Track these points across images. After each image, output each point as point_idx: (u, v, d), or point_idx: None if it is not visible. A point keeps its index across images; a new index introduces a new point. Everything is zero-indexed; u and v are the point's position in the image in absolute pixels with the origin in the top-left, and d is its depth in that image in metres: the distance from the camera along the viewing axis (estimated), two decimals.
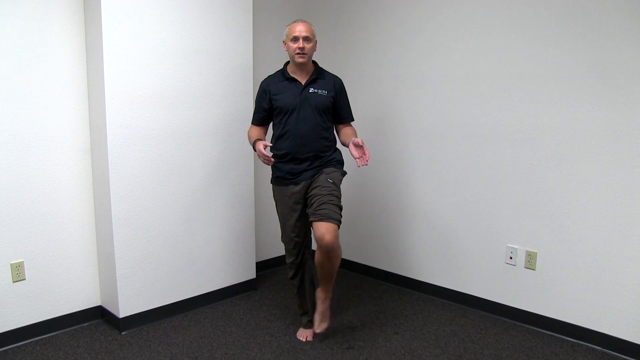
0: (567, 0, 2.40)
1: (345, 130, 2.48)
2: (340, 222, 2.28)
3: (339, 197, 2.33)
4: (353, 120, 2.54)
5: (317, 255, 2.29)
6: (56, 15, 2.40)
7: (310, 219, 2.29)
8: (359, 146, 2.27)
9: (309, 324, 2.56)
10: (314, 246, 2.55)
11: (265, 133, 2.52)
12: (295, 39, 2.29)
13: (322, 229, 2.21)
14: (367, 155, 2.25)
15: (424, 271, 3.14)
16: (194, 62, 2.69)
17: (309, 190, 2.36)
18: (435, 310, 2.90)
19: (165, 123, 2.61)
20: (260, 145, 2.27)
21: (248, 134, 2.52)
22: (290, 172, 2.37)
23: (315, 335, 2.53)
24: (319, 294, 2.41)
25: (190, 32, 2.66)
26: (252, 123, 2.52)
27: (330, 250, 2.22)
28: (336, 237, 2.23)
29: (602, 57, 2.33)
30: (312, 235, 2.58)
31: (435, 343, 2.50)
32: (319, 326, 2.42)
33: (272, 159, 2.28)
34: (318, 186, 2.31)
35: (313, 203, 2.29)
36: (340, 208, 2.31)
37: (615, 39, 2.28)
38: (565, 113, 2.46)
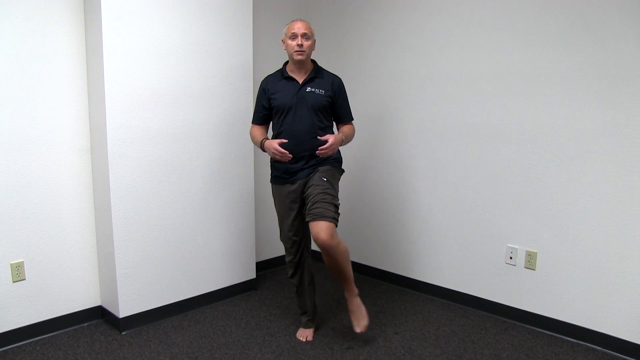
0: (567, 0, 2.41)
1: (343, 130, 2.48)
2: (336, 219, 2.26)
3: (333, 195, 2.31)
4: (352, 119, 2.54)
5: (324, 257, 2.29)
6: (56, 16, 2.40)
7: (306, 220, 2.29)
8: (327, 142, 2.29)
9: (309, 324, 2.56)
10: (315, 245, 2.55)
11: (267, 132, 2.52)
12: (294, 36, 2.30)
13: (316, 229, 2.20)
14: (322, 153, 2.28)
15: (424, 271, 3.13)
16: (194, 62, 2.69)
17: (304, 190, 2.36)
18: (435, 310, 2.90)
19: (165, 123, 2.62)
20: (275, 144, 2.28)
21: (251, 134, 2.52)
22: (286, 171, 2.37)
23: (314, 335, 2.54)
24: (346, 292, 2.39)
25: (190, 32, 2.66)
26: (252, 122, 2.52)
27: (328, 248, 2.20)
28: (331, 234, 2.20)
29: (602, 57, 2.32)
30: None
31: (435, 343, 2.50)
32: (358, 325, 2.36)
33: (290, 155, 2.28)
34: (312, 185, 2.31)
35: (307, 203, 2.30)
36: (336, 206, 2.30)
37: (615, 39, 2.28)
38: (565, 113, 2.46)
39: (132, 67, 2.45)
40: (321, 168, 2.36)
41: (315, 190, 2.28)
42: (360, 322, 2.36)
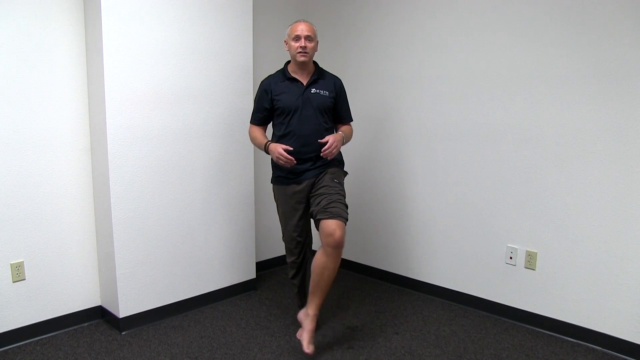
0: (567, 0, 2.41)
1: (342, 129, 2.48)
2: (347, 221, 2.28)
3: (345, 197, 2.34)
4: (352, 120, 2.54)
5: (319, 258, 2.24)
6: (56, 15, 2.40)
7: (318, 217, 2.26)
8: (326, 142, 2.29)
9: None
10: (315, 246, 2.55)
11: (265, 133, 2.52)
12: (297, 38, 2.29)
13: (334, 225, 2.19)
14: (327, 152, 2.27)
15: (424, 271, 3.14)
16: (194, 62, 2.69)
17: (313, 190, 2.36)
18: (435, 310, 2.90)
19: (165, 123, 2.61)
20: (280, 149, 2.26)
21: (250, 134, 2.51)
22: (292, 172, 2.37)
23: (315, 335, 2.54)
24: (310, 310, 2.28)
25: (190, 32, 2.66)
26: (251, 123, 2.51)
27: (338, 247, 2.20)
28: (344, 235, 2.21)
29: (602, 56, 2.33)
30: (312, 235, 2.58)
31: (435, 343, 2.50)
32: (309, 347, 2.22)
33: (295, 161, 2.27)
34: (325, 186, 2.31)
35: (321, 202, 2.28)
36: (347, 207, 2.31)
37: (614, 39, 2.28)
38: (565, 113, 2.46)
39: (132, 67, 2.45)
40: (330, 170, 2.37)
41: (331, 191, 2.29)
42: (311, 345, 2.24)
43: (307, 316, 2.30)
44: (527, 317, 2.69)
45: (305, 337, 2.26)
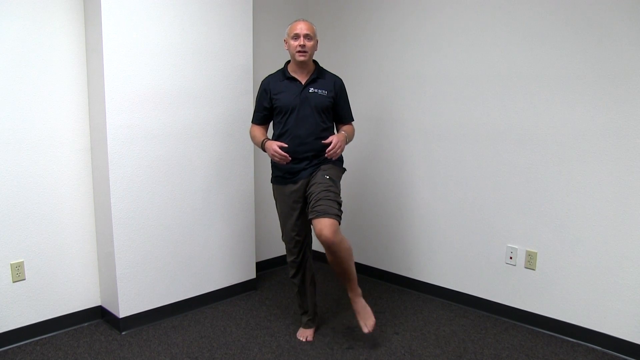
0: (567, 0, 2.41)
1: (344, 129, 2.48)
2: (340, 216, 2.27)
3: (336, 193, 2.32)
4: (353, 120, 2.54)
5: (327, 255, 2.28)
6: (56, 16, 2.40)
7: (309, 217, 2.29)
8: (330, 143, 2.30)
9: (309, 324, 2.56)
10: (315, 246, 2.56)
11: (266, 132, 2.52)
12: (296, 37, 2.30)
13: (320, 225, 2.20)
14: (332, 153, 2.28)
15: (424, 271, 3.14)
16: (194, 62, 2.69)
17: (307, 188, 2.36)
18: (435, 310, 2.90)
19: (165, 123, 2.62)
20: (274, 145, 2.27)
21: (251, 133, 2.52)
22: (288, 172, 2.37)
23: (314, 335, 2.54)
24: (350, 294, 2.36)
25: (190, 32, 2.66)
26: (252, 122, 2.52)
27: (331, 245, 2.20)
28: (335, 231, 2.20)
29: (602, 57, 2.33)
30: (312, 234, 2.58)
31: (435, 343, 2.50)
32: (365, 325, 2.33)
33: (289, 157, 2.28)
34: (315, 183, 2.31)
35: (310, 201, 2.30)
36: (339, 203, 2.30)
37: (615, 39, 2.28)
38: (565, 113, 2.46)
39: (132, 67, 2.45)
40: (324, 166, 2.37)
41: (318, 188, 2.28)
42: (367, 321, 2.34)
43: (351, 301, 2.37)
44: (527, 317, 2.69)
45: (359, 320, 2.36)
